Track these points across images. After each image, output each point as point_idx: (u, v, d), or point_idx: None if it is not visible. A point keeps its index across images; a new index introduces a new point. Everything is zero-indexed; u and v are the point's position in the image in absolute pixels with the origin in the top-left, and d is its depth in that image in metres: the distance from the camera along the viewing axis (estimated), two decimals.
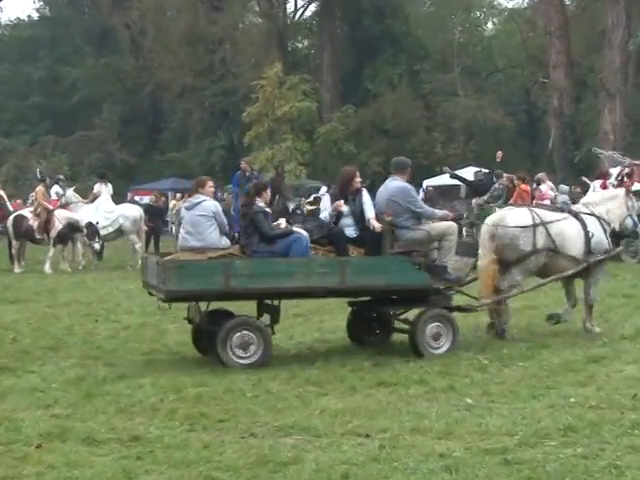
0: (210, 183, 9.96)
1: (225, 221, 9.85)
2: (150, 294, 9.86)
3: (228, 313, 9.67)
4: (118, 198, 25.25)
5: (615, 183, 20.91)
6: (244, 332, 9.06)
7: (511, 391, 7.77)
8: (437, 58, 46.34)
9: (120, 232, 21.08)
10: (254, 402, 7.56)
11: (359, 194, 9.92)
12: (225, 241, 9.70)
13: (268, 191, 10.01)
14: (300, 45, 52.60)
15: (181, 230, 9.84)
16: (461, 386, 7.99)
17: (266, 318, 9.53)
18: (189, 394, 7.82)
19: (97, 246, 20.21)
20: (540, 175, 22.20)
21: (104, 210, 20.86)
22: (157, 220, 24.42)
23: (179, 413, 7.20)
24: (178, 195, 33.95)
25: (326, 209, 9.96)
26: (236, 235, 19.22)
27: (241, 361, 8.99)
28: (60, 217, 20.20)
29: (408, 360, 9.13)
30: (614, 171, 21.96)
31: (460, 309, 10.20)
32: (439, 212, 10.63)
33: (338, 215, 9.81)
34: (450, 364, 8.89)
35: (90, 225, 20.02)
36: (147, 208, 23.86)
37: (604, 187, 20.72)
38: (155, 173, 45.92)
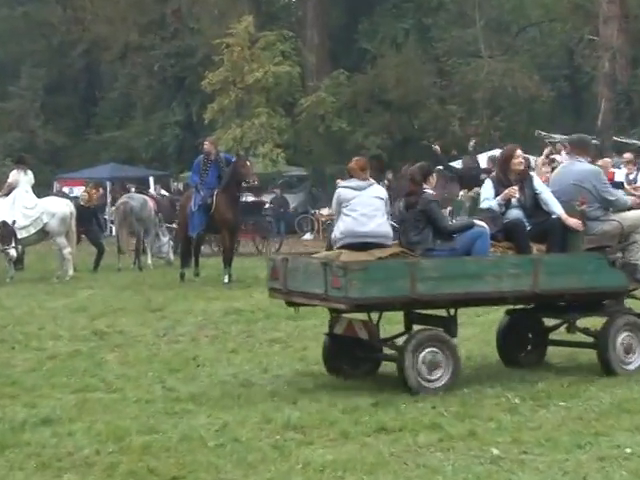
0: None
1: (389, 211, 10.41)
2: (290, 304, 10.31)
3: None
4: (42, 190, 25.19)
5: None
6: (433, 349, 9.39)
7: (549, 439, 7.79)
8: (453, 9, 46.43)
9: (44, 233, 21.02)
10: (218, 453, 7.56)
11: (528, 179, 10.36)
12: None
13: (434, 175, 10.47)
14: None
15: (350, 214, 10.14)
16: (485, 432, 8.01)
17: None
18: (133, 444, 7.80)
19: (13, 252, 20.14)
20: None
21: (23, 205, 20.79)
22: (89, 224, 23.94)
23: (120, 469, 7.18)
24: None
25: (488, 198, 10.30)
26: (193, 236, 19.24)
27: (426, 384, 9.33)
28: None
29: (416, 398, 9.15)
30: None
31: None
32: (629, 199, 11.02)
33: (506, 204, 10.17)
34: (471, 404, 8.92)
35: (4, 225, 19.97)
36: (77, 210, 22.80)
37: None
38: (89, 157, 45.88)
